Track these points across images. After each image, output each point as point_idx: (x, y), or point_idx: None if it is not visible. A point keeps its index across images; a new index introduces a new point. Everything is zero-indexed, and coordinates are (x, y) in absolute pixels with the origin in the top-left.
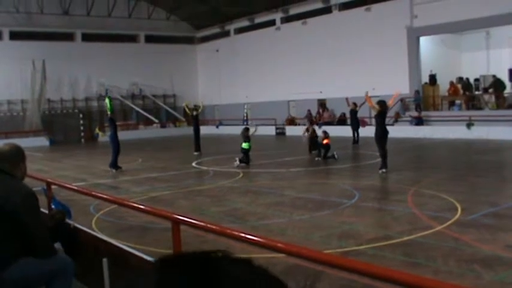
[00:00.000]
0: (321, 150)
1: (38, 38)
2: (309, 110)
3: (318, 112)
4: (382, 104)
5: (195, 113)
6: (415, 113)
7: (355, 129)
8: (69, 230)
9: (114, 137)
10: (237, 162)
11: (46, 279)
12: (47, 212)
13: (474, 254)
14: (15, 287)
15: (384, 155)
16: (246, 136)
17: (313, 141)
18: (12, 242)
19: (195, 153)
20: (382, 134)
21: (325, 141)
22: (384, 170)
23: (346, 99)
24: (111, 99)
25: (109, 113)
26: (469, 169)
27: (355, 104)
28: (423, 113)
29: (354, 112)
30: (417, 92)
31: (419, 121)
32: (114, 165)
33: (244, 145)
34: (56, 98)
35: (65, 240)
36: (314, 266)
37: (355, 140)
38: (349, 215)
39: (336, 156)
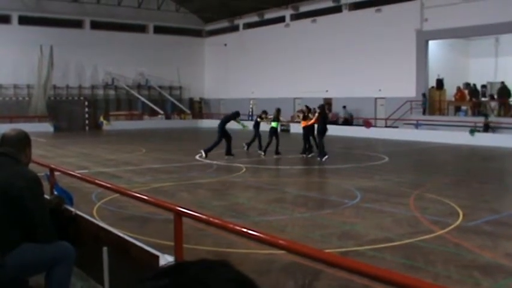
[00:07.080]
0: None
1: (47, 24)
2: (306, 106)
3: None
4: (322, 108)
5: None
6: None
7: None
8: (65, 217)
9: (223, 127)
10: (262, 153)
11: (47, 265)
12: (48, 198)
13: (474, 261)
14: (17, 272)
15: (322, 146)
16: (276, 117)
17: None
18: (15, 227)
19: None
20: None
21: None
22: (326, 157)
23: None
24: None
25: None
26: (472, 175)
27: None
28: (428, 117)
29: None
30: (423, 95)
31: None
32: (229, 152)
33: (273, 124)
34: (62, 85)
35: (60, 227)
36: (312, 264)
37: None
38: (350, 215)
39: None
